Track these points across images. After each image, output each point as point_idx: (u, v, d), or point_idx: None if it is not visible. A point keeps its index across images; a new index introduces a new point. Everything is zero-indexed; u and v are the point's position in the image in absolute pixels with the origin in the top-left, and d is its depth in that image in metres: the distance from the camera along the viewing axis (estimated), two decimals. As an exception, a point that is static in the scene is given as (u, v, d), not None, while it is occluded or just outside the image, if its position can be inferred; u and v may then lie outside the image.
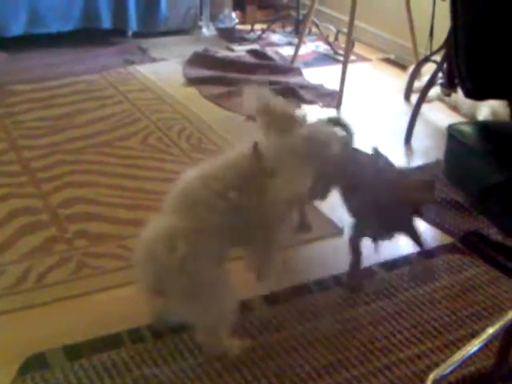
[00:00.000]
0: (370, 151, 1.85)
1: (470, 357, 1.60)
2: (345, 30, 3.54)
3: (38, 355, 1.62)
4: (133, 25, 3.99)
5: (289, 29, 4.39)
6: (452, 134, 1.40)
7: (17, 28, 3.68)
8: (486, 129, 1.49)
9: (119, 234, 2.14)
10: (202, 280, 1.52)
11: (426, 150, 2.83)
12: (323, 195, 2.01)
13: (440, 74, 2.94)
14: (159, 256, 1.47)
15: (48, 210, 2.27)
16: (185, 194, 1.57)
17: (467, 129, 1.43)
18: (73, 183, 2.44)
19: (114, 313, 1.79)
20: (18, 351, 1.64)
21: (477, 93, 1.37)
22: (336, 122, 2.04)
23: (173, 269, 1.48)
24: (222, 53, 3.90)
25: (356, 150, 1.97)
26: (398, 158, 2.78)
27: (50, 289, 1.88)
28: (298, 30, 4.15)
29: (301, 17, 4.26)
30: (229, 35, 4.25)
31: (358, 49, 4.03)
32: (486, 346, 1.62)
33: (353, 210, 1.90)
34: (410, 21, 3.52)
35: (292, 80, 3.51)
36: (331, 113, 3.19)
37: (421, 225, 2.24)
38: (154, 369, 1.59)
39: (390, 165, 1.83)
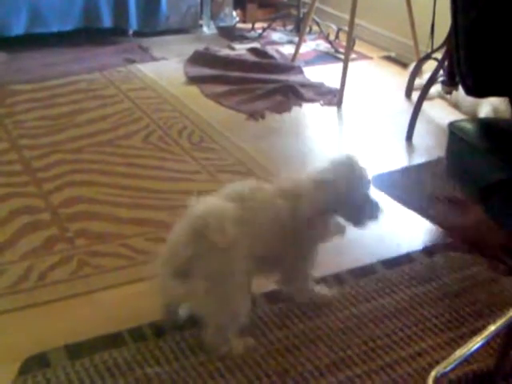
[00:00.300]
0: None
1: (472, 354, 1.59)
2: (345, 28, 3.54)
3: (39, 354, 1.62)
4: (133, 24, 3.99)
5: (289, 27, 4.39)
6: (453, 131, 1.39)
7: (17, 28, 3.67)
8: (487, 126, 1.49)
9: (120, 232, 2.14)
10: (230, 272, 1.54)
11: (428, 148, 2.82)
12: None
13: (441, 72, 2.94)
14: (206, 231, 1.47)
15: (49, 209, 2.27)
16: (249, 193, 1.61)
17: (468, 126, 1.43)
18: (74, 182, 2.44)
19: (116, 311, 1.79)
20: (19, 350, 1.64)
21: (478, 90, 1.36)
22: None
23: (214, 248, 1.49)
24: (223, 51, 3.90)
25: None
26: (399, 155, 2.78)
27: (51, 288, 1.88)
28: (299, 29, 4.15)
29: (301, 15, 4.26)
30: (229, 34, 4.25)
31: (358, 47, 4.02)
32: (487, 343, 1.61)
33: None
34: (411, 18, 3.52)
35: (293, 78, 3.51)
36: (331, 111, 3.19)
37: (423, 223, 2.25)
38: (156, 367, 1.59)
39: None
